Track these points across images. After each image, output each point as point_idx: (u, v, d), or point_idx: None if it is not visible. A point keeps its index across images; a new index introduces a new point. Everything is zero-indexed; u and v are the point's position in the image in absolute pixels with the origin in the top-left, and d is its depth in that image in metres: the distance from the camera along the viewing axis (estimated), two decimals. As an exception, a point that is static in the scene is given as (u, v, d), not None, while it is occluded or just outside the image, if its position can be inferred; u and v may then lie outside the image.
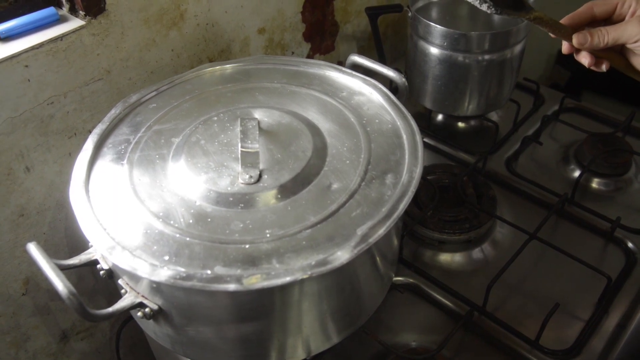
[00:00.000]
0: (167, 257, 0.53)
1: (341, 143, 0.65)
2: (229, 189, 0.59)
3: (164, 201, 0.59)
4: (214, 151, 0.63)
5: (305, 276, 0.51)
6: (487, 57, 0.95)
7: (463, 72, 0.97)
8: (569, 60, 1.36)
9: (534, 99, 1.14)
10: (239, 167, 0.60)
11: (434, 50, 0.97)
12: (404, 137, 0.65)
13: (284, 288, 0.53)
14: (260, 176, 0.60)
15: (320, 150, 0.64)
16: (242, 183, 0.59)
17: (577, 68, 1.36)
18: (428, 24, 0.95)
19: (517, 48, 0.97)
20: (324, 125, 0.67)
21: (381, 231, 0.54)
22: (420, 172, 0.60)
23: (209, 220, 0.57)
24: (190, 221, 0.56)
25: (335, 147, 0.64)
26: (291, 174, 0.60)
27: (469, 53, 0.95)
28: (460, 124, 1.12)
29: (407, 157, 0.63)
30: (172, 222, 0.56)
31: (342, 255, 0.52)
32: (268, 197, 0.58)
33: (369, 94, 0.72)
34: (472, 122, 1.12)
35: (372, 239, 0.54)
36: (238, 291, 0.50)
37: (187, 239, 0.55)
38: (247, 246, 0.54)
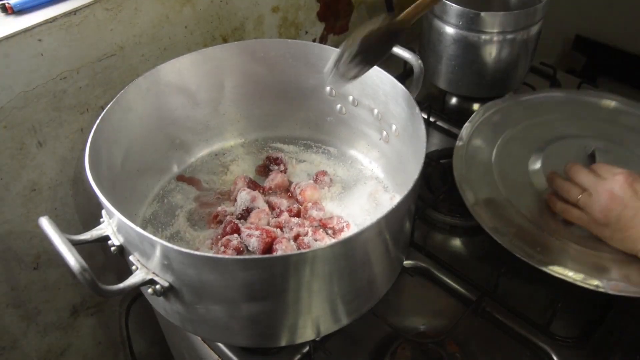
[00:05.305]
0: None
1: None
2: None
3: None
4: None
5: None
6: (502, 37, 0.93)
7: (478, 53, 0.96)
8: (586, 46, 1.34)
9: (550, 83, 1.12)
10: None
11: (449, 30, 0.96)
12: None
13: (296, 266, 0.53)
14: None
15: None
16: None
17: (594, 54, 1.35)
18: (444, 2, 0.93)
19: (534, 29, 0.95)
20: None
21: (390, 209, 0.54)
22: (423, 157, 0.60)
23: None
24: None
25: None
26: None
27: (484, 33, 0.93)
28: (475, 107, 1.10)
29: None
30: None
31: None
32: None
33: None
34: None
35: (381, 216, 0.54)
36: (246, 260, 0.50)
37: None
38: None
